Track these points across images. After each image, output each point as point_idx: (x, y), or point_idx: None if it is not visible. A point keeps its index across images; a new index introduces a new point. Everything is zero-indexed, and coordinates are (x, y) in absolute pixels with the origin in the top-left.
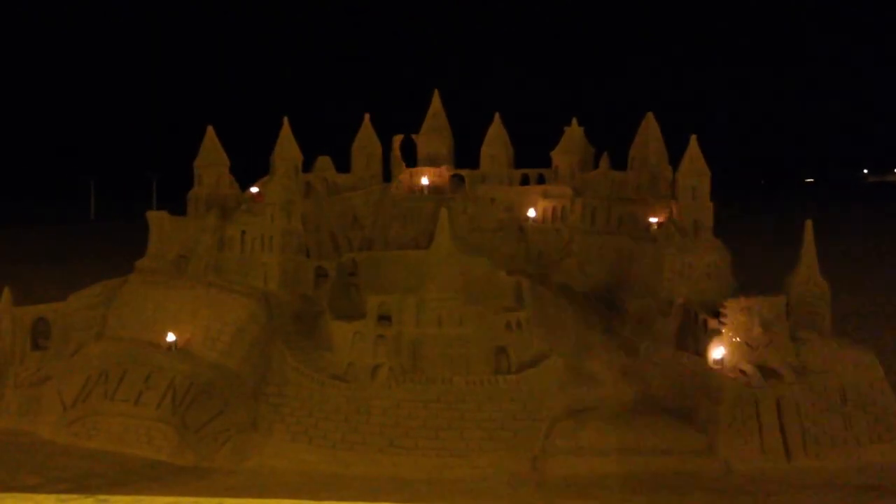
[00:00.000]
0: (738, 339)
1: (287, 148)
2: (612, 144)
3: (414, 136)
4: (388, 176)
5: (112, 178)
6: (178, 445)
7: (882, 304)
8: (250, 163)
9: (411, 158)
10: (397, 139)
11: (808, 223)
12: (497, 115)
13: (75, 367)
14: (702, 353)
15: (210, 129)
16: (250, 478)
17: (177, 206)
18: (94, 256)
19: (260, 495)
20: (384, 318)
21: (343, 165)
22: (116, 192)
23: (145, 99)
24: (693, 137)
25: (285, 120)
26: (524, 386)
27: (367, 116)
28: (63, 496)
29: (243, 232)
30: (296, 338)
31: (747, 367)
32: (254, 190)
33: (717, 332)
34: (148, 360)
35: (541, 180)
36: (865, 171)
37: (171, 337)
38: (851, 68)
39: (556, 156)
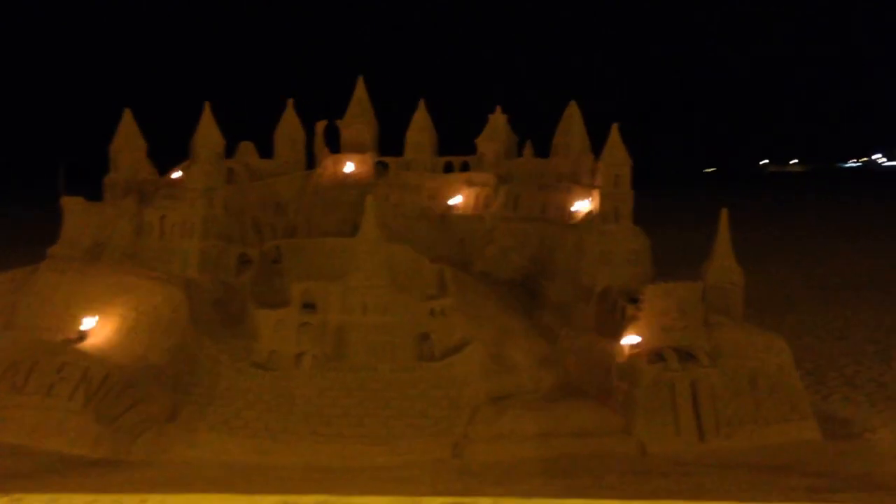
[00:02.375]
0: (654, 323)
1: (208, 133)
2: (535, 132)
3: (338, 123)
4: (311, 162)
5: (17, 161)
6: (93, 438)
7: (782, 289)
8: (170, 148)
9: (335, 145)
10: (321, 125)
11: (724, 211)
12: (422, 102)
13: None
14: (621, 338)
15: (127, 112)
16: (169, 470)
17: (90, 191)
18: (5, 242)
19: (180, 488)
20: (308, 306)
21: (266, 151)
22: (22, 177)
23: (57, 82)
24: (614, 126)
25: (206, 104)
26: (447, 373)
27: (290, 102)
28: None
29: (163, 218)
30: (217, 326)
31: (664, 351)
32: (174, 175)
33: (636, 318)
34: (60, 351)
35: (465, 168)
36: (765, 161)
37: (85, 326)
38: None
39: (481, 143)
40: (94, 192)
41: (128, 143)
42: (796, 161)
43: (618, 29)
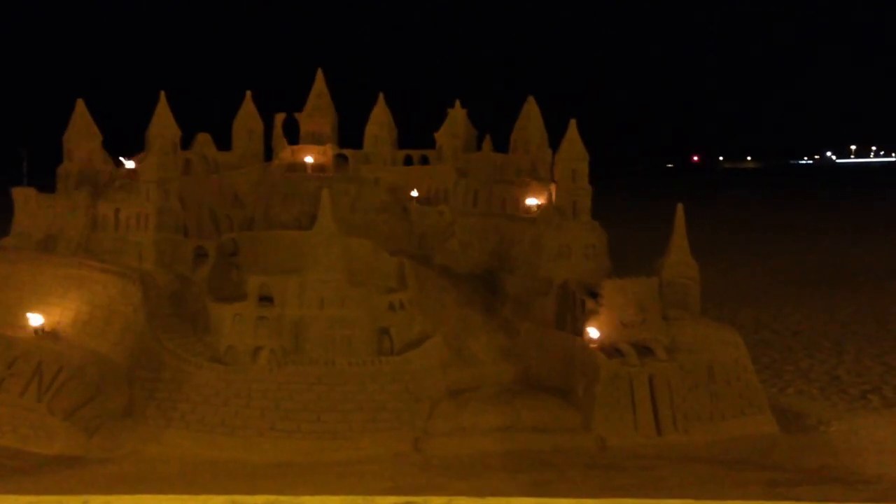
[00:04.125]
0: (613, 318)
1: (164, 123)
2: (494, 127)
3: (297, 115)
4: (270, 154)
5: None
6: (47, 434)
7: (738, 284)
8: (125, 138)
9: (294, 137)
10: (280, 117)
11: (679, 207)
12: (381, 96)
13: None
14: (579, 332)
15: (80, 102)
16: (125, 466)
17: (51, 182)
18: None
19: (135, 484)
20: (265, 300)
21: (224, 143)
22: None
23: (16, 70)
24: (572, 122)
25: (162, 94)
26: (406, 367)
27: (248, 93)
28: None
29: (117, 210)
30: (172, 320)
31: (623, 346)
32: (129, 165)
33: (594, 312)
34: (12, 345)
35: (424, 161)
36: (721, 157)
37: (37, 320)
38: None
39: (440, 137)
40: (53, 183)
41: (81, 133)
42: (750, 158)
43: (579, 23)
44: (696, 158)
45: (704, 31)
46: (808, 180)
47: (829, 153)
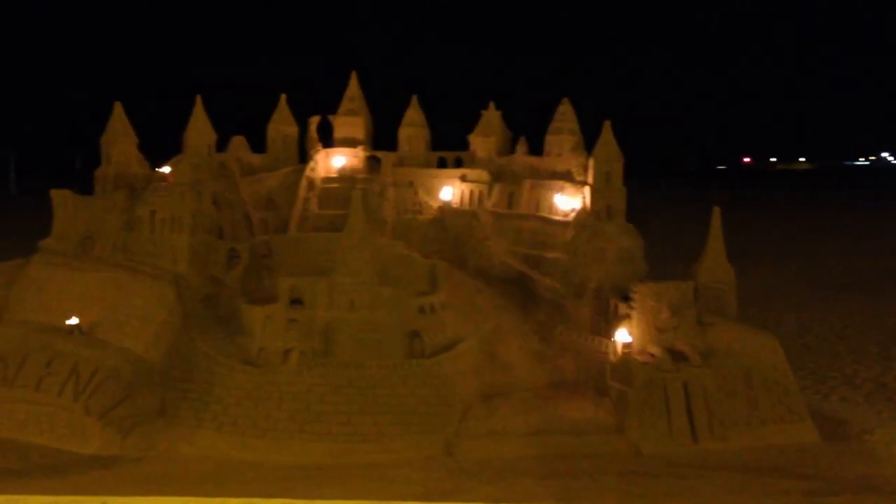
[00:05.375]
0: (647, 323)
1: (200, 127)
2: (529, 129)
3: (331, 118)
4: (304, 157)
5: (37, 152)
6: (81, 433)
7: (782, 287)
8: (162, 142)
9: (328, 140)
10: (314, 120)
11: (716, 210)
12: (414, 98)
13: None
14: (613, 336)
15: (118, 105)
16: (157, 466)
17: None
18: (13, 234)
19: (167, 484)
20: (296, 302)
21: (258, 146)
22: (41, 168)
23: (70, 74)
24: (606, 123)
25: (198, 98)
26: (438, 370)
27: (283, 97)
28: None
29: (153, 212)
30: (206, 321)
31: (656, 351)
32: (165, 169)
33: (627, 317)
34: (50, 345)
35: (458, 164)
36: (773, 158)
37: (74, 320)
38: (759, 60)
39: (474, 139)
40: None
41: (118, 136)
42: (804, 159)
43: (617, 27)
44: (746, 160)
45: (755, 29)
46: (862, 182)
47: (885, 154)
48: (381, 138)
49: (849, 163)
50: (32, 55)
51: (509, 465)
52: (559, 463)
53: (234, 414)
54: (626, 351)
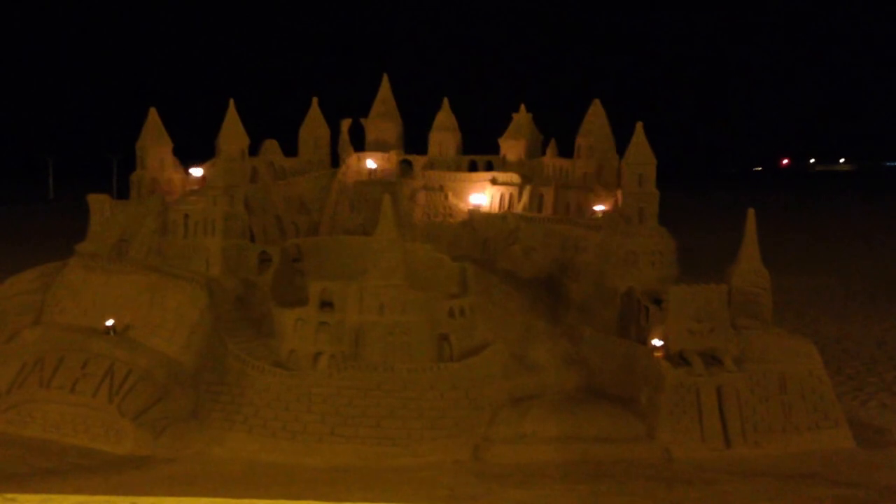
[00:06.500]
0: (679, 326)
1: (233, 131)
2: (559, 132)
3: (363, 121)
4: (335, 160)
5: (74, 157)
6: (115, 434)
7: (821, 291)
8: (196, 146)
9: (360, 143)
10: (346, 123)
11: (751, 212)
12: (445, 101)
13: (11, 353)
14: (644, 340)
15: (153, 111)
16: (189, 467)
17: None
18: (51, 237)
19: (198, 485)
20: (327, 305)
21: (290, 149)
22: (78, 173)
23: (108, 80)
24: (639, 125)
25: (231, 102)
26: (466, 373)
27: (315, 100)
28: None
29: (186, 216)
30: (238, 324)
31: (689, 355)
32: (198, 172)
33: (659, 320)
34: (85, 347)
35: (489, 167)
36: (812, 160)
37: (109, 323)
38: (799, 62)
39: (504, 143)
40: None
41: (153, 140)
42: (844, 160)
43: (649, 26)
44: (785, 161)
45: (796, 30)
46: None
47: None
48: (412, 142)
49: (891, 164)
50: (69, 62)
51: (538, 470)
52: (588, 468)
53: (265, 416)
54: (658, 354)
